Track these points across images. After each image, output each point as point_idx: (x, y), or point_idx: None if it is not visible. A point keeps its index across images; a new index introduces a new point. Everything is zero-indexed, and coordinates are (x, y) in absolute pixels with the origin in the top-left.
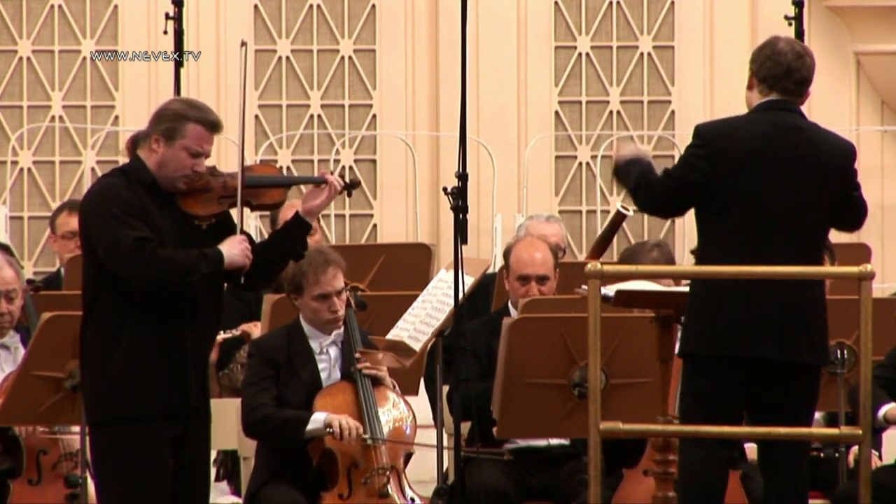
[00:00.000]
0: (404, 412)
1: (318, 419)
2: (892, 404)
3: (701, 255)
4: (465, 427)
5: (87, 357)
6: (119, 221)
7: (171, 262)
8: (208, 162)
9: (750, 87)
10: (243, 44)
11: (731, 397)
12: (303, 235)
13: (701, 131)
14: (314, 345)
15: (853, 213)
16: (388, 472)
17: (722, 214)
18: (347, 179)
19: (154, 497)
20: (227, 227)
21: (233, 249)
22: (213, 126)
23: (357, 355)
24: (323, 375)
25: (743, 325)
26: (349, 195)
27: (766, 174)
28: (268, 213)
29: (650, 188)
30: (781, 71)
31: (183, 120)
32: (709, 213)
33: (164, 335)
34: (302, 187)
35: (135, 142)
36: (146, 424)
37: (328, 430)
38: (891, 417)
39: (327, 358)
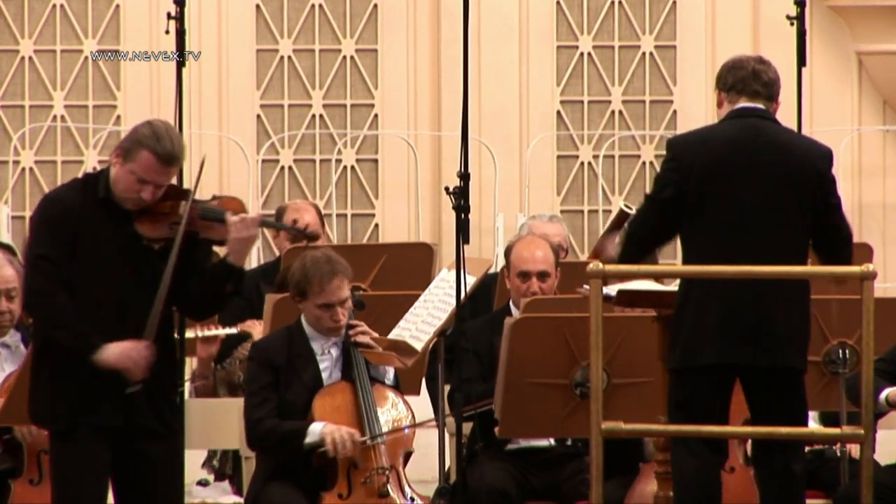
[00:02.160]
0: (403, 412)
1: (314, 431)
2: (894, 388)
3: (684, 263)
4: (467, 427)
5: (31, 363)
6: (38, 235)
7: (50, 306)
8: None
9: (720, 105)
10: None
11: (715, 405)
12: (231, 279)
13: (671, 145)
14: (315, 346)
15: (834, 237)
16: (387, 472)
17: (697, 224)
18: (307, 231)
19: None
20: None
21: (112, 354)
22: (167, 160)
23: (350, 331)
24: (324, 376)
25: (719, 332)
26: (307, 242)
27: (736, 181)
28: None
29: (637, 217)
30: (747, 74)
31: (139, 146)
32: (686, 224)
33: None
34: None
35: None
36: (73, 435)
37: (322, 448)
38: (892, 400)
39: (329, 358)
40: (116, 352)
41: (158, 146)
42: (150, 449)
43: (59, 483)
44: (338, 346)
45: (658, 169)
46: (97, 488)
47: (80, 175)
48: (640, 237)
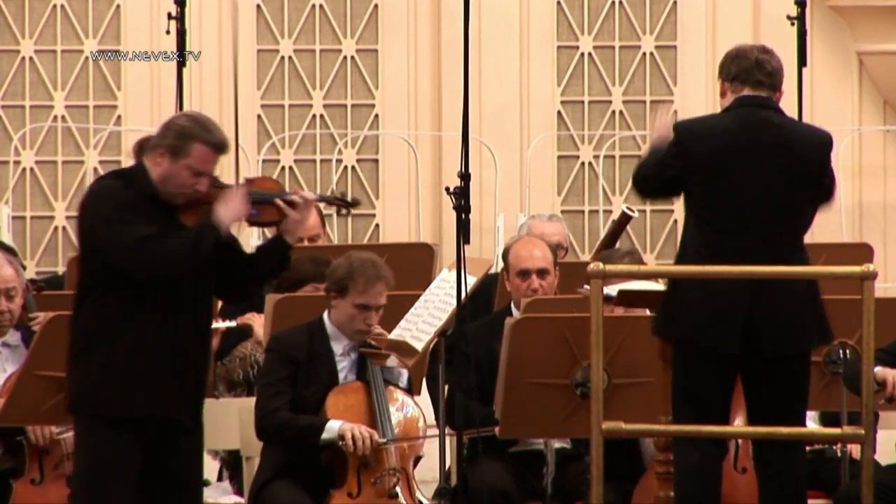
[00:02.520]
0: (415, 413)
1: (332, 428)
2: (883, 368)
3: (682, 251)
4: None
5: (73, 350)
6: (120, 222)
7: (174, 250)
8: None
9: (723, 95)
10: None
11: (716, 393)
12: (282, 255)
13: (676, 129)
14: (336, 346)
15: (825, 198)
16: (398, 473)
17: (698, 212)
18: (349, 198)
19: (115, 497)
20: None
21: (223, 212)
22: (219, 147)
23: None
24: (341, 376)
25: (710, 319)
26: (347, 214)
27: (737, 171)
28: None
29: (644, 167)
30: (750, 63)
31: (189, 139)
32: (688, 211)
33: (153, 342)
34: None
35: (142, 147)
36: (115, 425)
37: (340, 441)
38: (880, 377)
39: (347, 360)
40: (231, 209)
41: (211, 136)
42: (178, 442)
43: (89, 472)
44: (357, 349)
45: None
46: (128, 479)
47: (81, 174)
48: (649, 186)
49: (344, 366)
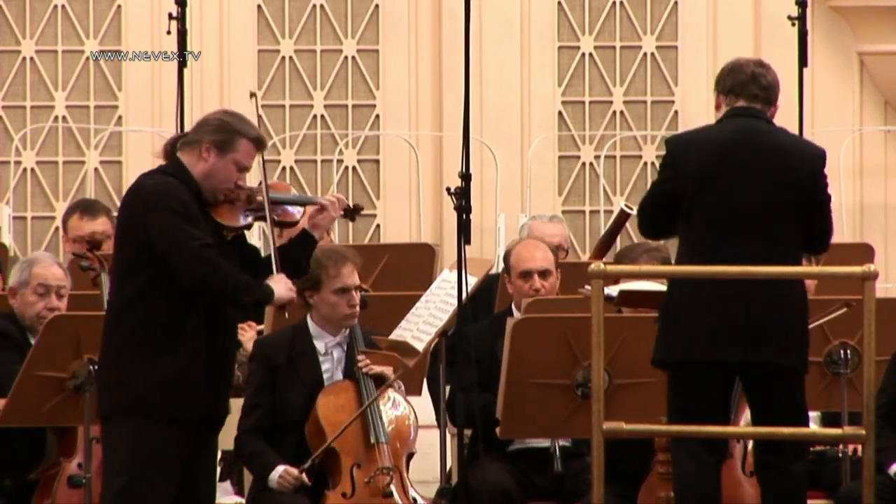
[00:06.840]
0: (406, 411)
1: (272, 479)
2: None
3: (676, 262)
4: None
5: (122, 353)
6: (185, 220)
7: (230, 277)
8: None
9: (717, 108)
10: (252, 95)
11: (712, 406)
12: (308, 251)
13: (668, 144)
14: (319, 345)
15: (820, 231)
16: (391, 472)
17: (690, 223)
18: (351, 204)
19: (162, 495)
20: (243, 239)
21: (280, 288)
22: (261, 143)
23: (359, 357)
24: (325, 376)
25: (709, 329)
26: (352, 220)
27: (728, 181)
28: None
29: (644, 198)
30: (746, 77)
31: (237, 134)
32: (681, 223)
33: (206, 344)
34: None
35: (174, 145)
36: (176, 425)
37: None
38: None
39: (331, 359)
40: (283, 289)
41: (252, 131)
42: (209, 438)
43: (140, 470)
44: (341, 346)
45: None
46: (175, 477)
47: (82, 174)
48: (647, 215)
49: (328, 366)
